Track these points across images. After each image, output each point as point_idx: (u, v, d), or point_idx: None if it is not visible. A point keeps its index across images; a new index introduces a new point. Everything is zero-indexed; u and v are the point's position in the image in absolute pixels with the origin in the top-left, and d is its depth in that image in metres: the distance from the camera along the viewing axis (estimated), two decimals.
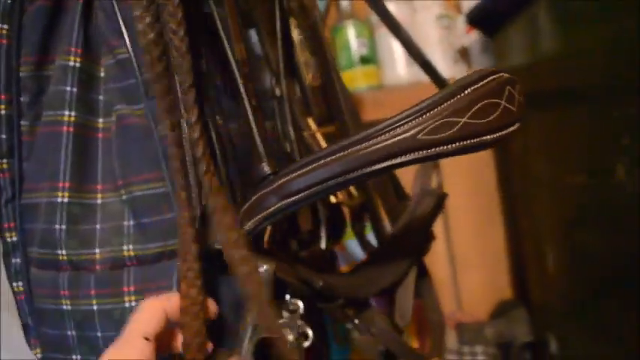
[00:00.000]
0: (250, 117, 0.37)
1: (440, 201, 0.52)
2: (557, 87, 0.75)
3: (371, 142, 0.30)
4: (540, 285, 0.91)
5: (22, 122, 0.40)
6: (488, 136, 0.31)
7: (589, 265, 0.73)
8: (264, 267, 0.34)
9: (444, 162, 0.96)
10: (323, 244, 0.46)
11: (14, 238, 0.39)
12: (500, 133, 0.31)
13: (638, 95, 0.56)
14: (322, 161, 0.31)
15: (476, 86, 0.31)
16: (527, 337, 0.93)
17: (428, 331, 0.90)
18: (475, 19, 0.93)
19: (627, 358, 0.63)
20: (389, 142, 0.30)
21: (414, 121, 0.30)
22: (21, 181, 0.40)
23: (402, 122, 0.30)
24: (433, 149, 0.30)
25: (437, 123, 0.29)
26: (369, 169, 0.30)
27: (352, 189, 0.54)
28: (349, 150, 0.30)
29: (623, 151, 0.59)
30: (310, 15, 0.51)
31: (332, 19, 1.00)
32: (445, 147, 0.30)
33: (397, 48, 0.99)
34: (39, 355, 0.41)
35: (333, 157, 0.31)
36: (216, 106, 0.39)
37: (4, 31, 0.39)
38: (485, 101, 0.31)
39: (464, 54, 1.02)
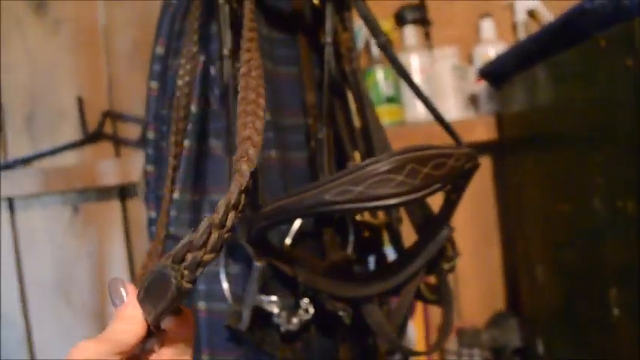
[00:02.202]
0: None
1: (446, 231, 0.53)
2: (548, 132, 0.85)
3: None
4: (530, 298, 0.98)
5: (162, 143, 0.56)
6: (392, 200, 0.37)
7: (570, 279, 0.81)
8: (257, 263, 0.47)
9: None
10: (349, 250, 0.57)
11: (153, 215, 0.55)
12: (398, 200, 0.37)
13: (605, 144, 0.66)
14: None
15: (375, 166, 0.36)
16: (517, 342, 1.01)
17: (433, 332, 1.02)
18: (485, 73, 1.02)
19: (599, 356, 0.74)
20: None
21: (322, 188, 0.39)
22: (159, 180, 0.56)
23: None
24: (341, 206, 0.38)
25: (339, 189, 0.38)
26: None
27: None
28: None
29: (598, 187, 0.68)
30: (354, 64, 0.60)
31: (364, 63, 1.09)
32: (353, 205, 0.38)
33: None
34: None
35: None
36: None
37: (155, 87, 0.56)
38: (382, 176, 0.36)
39: (473, 100, 1.11)
